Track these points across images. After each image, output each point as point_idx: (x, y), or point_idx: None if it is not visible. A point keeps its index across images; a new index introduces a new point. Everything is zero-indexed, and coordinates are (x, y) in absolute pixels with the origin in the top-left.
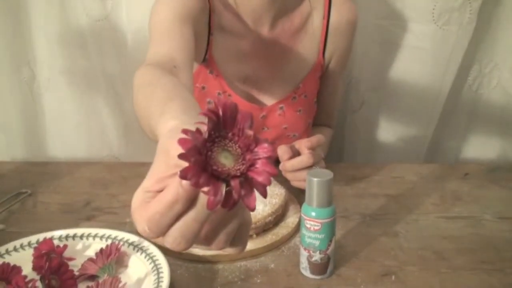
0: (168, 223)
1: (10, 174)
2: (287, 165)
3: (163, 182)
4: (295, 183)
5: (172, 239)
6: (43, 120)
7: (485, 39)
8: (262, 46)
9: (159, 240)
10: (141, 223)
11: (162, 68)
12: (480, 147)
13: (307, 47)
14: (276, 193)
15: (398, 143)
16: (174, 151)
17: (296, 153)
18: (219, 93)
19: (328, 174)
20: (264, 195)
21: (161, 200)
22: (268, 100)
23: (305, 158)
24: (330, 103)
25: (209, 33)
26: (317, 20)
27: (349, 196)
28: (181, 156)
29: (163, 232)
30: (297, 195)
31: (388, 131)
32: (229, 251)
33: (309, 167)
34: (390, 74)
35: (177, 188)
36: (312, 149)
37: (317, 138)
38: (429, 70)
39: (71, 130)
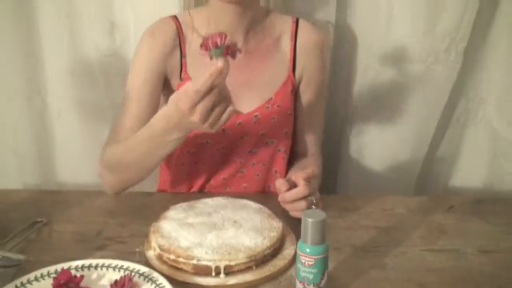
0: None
1: (25, 203)
2: (286, 196)
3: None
4: (293, 214)
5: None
6: (53, 147)
7: (471, 76)
8: (236, 59)
9: (166, 271)
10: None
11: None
12: (467, 176)
13: (278, 63)
14: (274, 226)
15: (390, 172)
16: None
17: (293, 185)
18: None
19: (321, 215)
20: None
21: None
22: (243, 107)
23: (301, 189)
24: (312, 129)
25: (182, 57)
26: (286, 42)
27: (342, 228)
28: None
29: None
30: (293, 227)
31: (381, 161)
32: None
33: (305, 197)
34: (383, 109)
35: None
36: (308, 180)
37: (311, 170)
38: (419, 104)
39: (80, 157)
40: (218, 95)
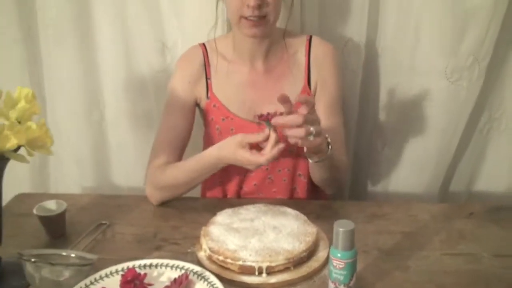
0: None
1: (89, 207)
2: (279, 119)
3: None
4: (291, 140)
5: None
6: (109, 154)
7: (495, 89)
8: (258, 76)
9: (215, 270)
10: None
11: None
12: (490, 183)
13: (295, 76)
14: (309, 232)
15: (417, 178)
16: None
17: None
18: (223, 119)
19: (350, 225)
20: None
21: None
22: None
23: (295, 116)
24: (331, 128)
25: (207, 79)
26: (301, 56)
27: (370, 232)
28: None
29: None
30: (326, 232)
31: (408, 169)
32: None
33: (299, 126)
34: (409, 121)
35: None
36: (305, 104)
37: (306, 97)
38: (443, 118)
39: (132, 163)
40: None
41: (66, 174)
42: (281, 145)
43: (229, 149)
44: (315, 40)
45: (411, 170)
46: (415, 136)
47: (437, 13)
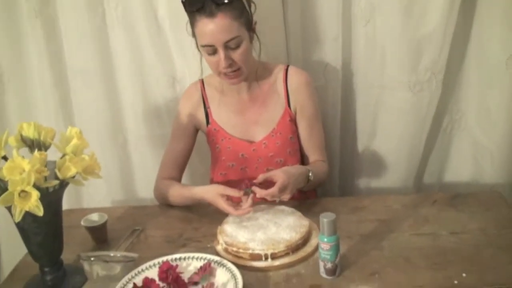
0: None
1: (124, 217)
2: (256, 190)
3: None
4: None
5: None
6: (133, 171)
7: (452, 97)
8: (245, 104)
9: (231, 259)
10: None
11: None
12: (456, 174)
13: (276, 102)
14: (303, 224)
15: (393, 174)
16: (223, 205)
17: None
18: (222, 139)
19: (332, 216)
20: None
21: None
22: (255, 138)
23: (268, 197)
24: (313, 142)
25: (206, 108)
26: (279, 85)
27: (353, 222)
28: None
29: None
30: (317, 223)
31: (385, 167)
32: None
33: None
34: (383, 127)
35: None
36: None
37: (270, 191)
38: (411, 122)
39: (152, 178)
40: None
41: (97, 190)
42: (250, 209)
43: (211, 195)
44: (291, 70)
45: (388, 167)
46: (389, 139)
47: (398, 40)
